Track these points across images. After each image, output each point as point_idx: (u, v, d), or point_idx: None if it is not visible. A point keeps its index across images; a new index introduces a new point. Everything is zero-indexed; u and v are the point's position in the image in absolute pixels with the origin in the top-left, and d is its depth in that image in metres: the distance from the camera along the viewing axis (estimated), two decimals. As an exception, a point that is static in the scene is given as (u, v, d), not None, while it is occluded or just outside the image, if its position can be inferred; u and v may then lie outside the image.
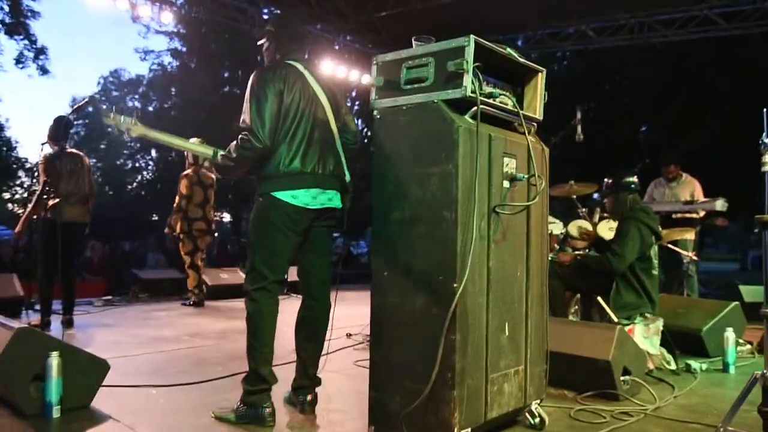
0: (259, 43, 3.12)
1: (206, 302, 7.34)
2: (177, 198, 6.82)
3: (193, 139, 6.28)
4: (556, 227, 5.17)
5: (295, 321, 3.04)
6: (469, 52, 2.33)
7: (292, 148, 2.79)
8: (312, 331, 3.02)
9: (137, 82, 30.66)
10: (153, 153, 28.91)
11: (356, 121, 3.12)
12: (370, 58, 2.65)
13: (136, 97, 29.89)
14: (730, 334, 3.98)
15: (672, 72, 16.36)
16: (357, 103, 22.86)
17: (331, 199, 2.93)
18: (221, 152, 2.93)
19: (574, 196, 5.60)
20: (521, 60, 2.68)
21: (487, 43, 2.42)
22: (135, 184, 31.22)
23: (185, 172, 6.88)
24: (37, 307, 5.64)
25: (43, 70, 25.04)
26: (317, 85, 2.95)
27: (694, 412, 3.11)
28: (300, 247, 2.95)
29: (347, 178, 3.03)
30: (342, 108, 3.07)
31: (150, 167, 30.77)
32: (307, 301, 3.04)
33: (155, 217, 29.47)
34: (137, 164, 31.51)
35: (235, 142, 2.80)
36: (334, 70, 10.29)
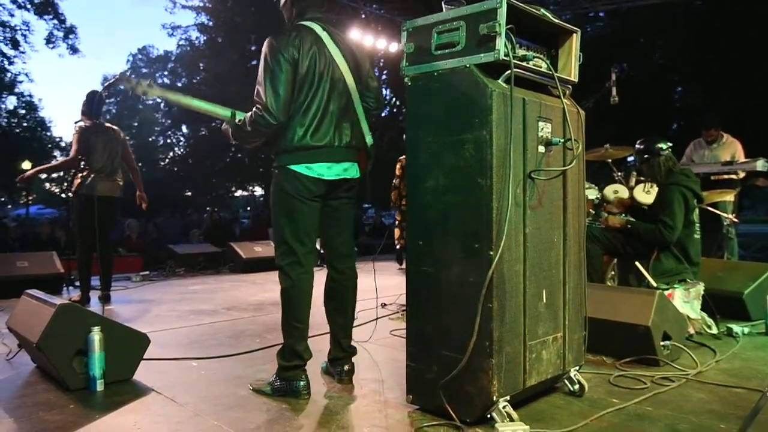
0: None
1: (241, 275, 7.94)
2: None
3: None
4: (591, 192, 5.08)
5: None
6: (502, 14, 2.25)
7: (305, 122, 2.73)
8: (340, 305, 3.00)
9: (165, 59, 30.91)
10: (184, 129, 29.22)
11: (382, 88, 3.03)
12: (397, 25, 2.58)
13: (165, 73, 30.14)
14: (773, 296, 3.88)
15: (707, 29, 15.75)
16: (385, 72, 22.62)
17: (347, 169, 2.87)
18: (239, 116, 2.87)
19: (610, 160, 5.49)
20: (555, 20, 2.58)
21: (519, 4, 2.34)
22: (167, 160, 31.65)
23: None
24: (77, 283, 5.79)
25: (73, 49, 25.33)
26: (335, 47, 2.86)
27: (736, 376, 3.04)
28: (322, 220, 2.91)
29: (369, 141, 2.97)
30: (363, 69, 2.97)
31: (181, 143, 31.14)
32: (332, 274, 3.01)
33: (188, 193, 29.91)
34: (168, 140, 31.90)
35: (250, 114, 2.75)
36: (361, 38, 10.20)
